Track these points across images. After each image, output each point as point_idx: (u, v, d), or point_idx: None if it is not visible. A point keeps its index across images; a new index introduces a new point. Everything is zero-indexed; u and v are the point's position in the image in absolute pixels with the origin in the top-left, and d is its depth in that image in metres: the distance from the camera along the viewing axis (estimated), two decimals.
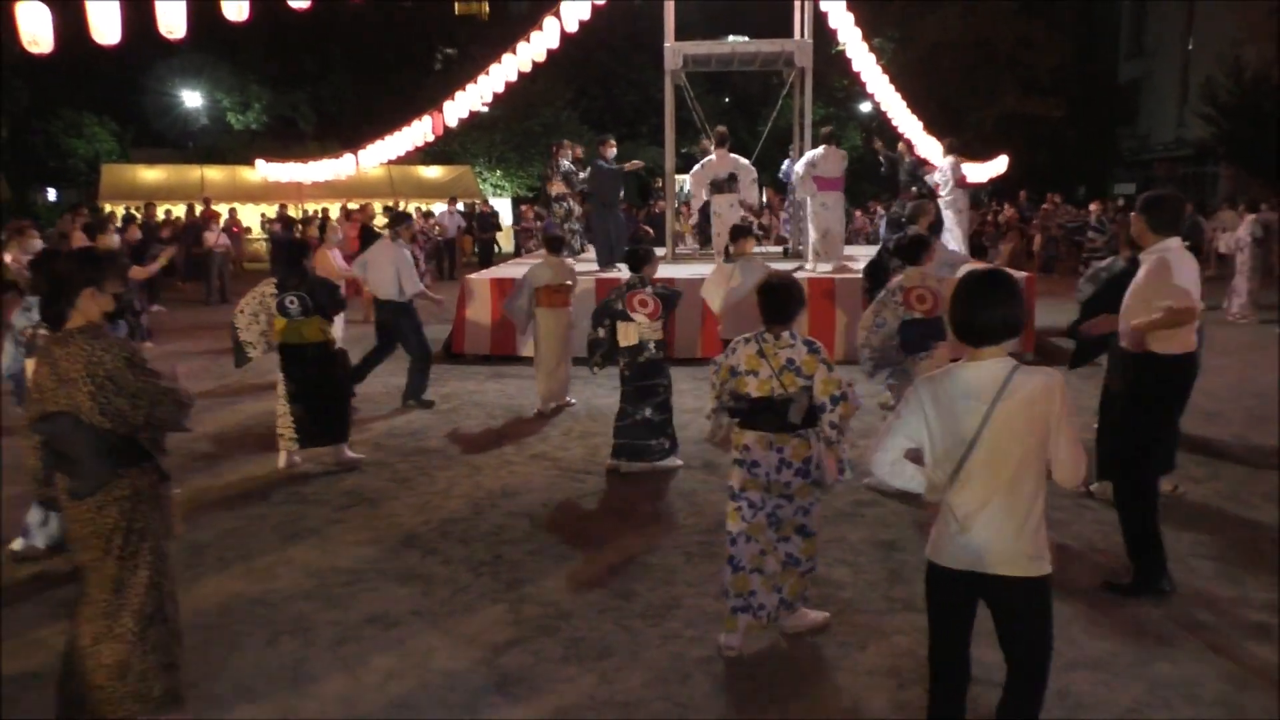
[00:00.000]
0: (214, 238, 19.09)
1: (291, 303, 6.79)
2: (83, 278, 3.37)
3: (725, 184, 11.64)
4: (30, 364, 4.84)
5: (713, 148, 12.03)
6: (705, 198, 12.06)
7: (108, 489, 3.36)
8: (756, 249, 11.23)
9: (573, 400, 8.99)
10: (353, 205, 22.87)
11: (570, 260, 10.13)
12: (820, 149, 11.53)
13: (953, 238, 12.34)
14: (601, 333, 6.89)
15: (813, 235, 11.91)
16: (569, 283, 8.74)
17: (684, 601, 4.79)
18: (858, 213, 23.67)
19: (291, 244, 7.76)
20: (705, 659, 4.22)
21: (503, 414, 8.76)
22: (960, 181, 12.60)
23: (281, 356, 6.94)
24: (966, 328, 2.88)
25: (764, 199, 15.27)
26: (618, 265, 11.80)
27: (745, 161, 11.93)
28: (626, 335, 6.79)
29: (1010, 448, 2.83)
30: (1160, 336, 4.75)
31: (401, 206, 25.52)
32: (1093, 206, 20.49)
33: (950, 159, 12.68)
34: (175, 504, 3.62)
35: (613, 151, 12.24)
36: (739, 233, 8.04)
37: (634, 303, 6.74)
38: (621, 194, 12.53)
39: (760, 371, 4.21)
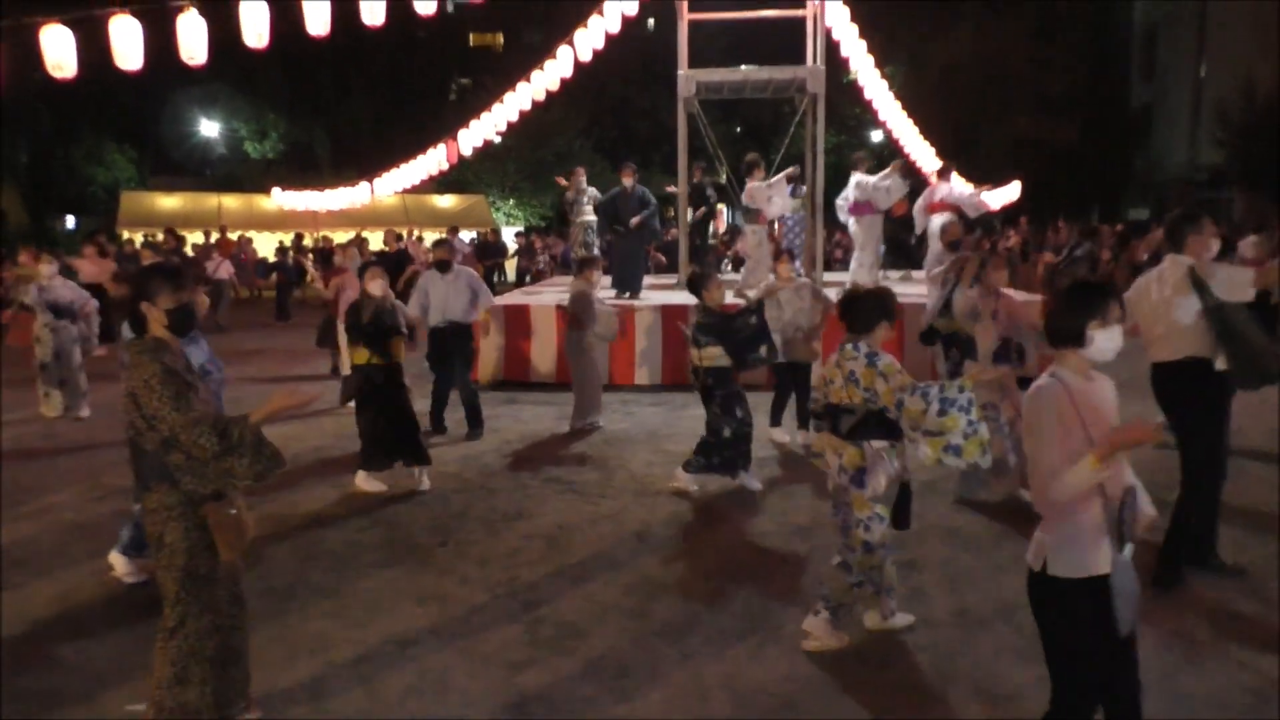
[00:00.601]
0: (213, 266, 19.18)
1: None
2: (138, 291, 3.48)
3: (748, 214, 11.80)
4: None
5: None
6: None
7: (144, 499, 3.49)
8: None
9: (601, 423, 9.08)
10: (366, 234, 23.06)
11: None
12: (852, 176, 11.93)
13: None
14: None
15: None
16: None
17: (702, 620, 4.78)
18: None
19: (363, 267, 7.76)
20: (724, 677, 4.20)
21: (517, 439, 8.77)
22: (929, 207, 12.51)
23: None
24: None
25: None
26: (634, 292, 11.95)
27: (756, 185, 11.99)
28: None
29: None
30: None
31: (416, 235, 25.78)
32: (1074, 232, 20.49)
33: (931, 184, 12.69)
34: (231, 527, 3.49)
35: (629, 180, 12.30)
36: (777, 257, 8.23)
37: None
38: (637, 221, 12.53)
39: (836, 380, 4.36)
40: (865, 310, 4.35)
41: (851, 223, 12.53)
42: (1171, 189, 32.05)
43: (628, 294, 12.09)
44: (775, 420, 8.36)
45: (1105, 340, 2.92)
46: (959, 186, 12.91)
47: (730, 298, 7.90)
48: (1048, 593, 2.95)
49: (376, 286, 7.13)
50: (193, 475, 3.41)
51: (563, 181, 14.19)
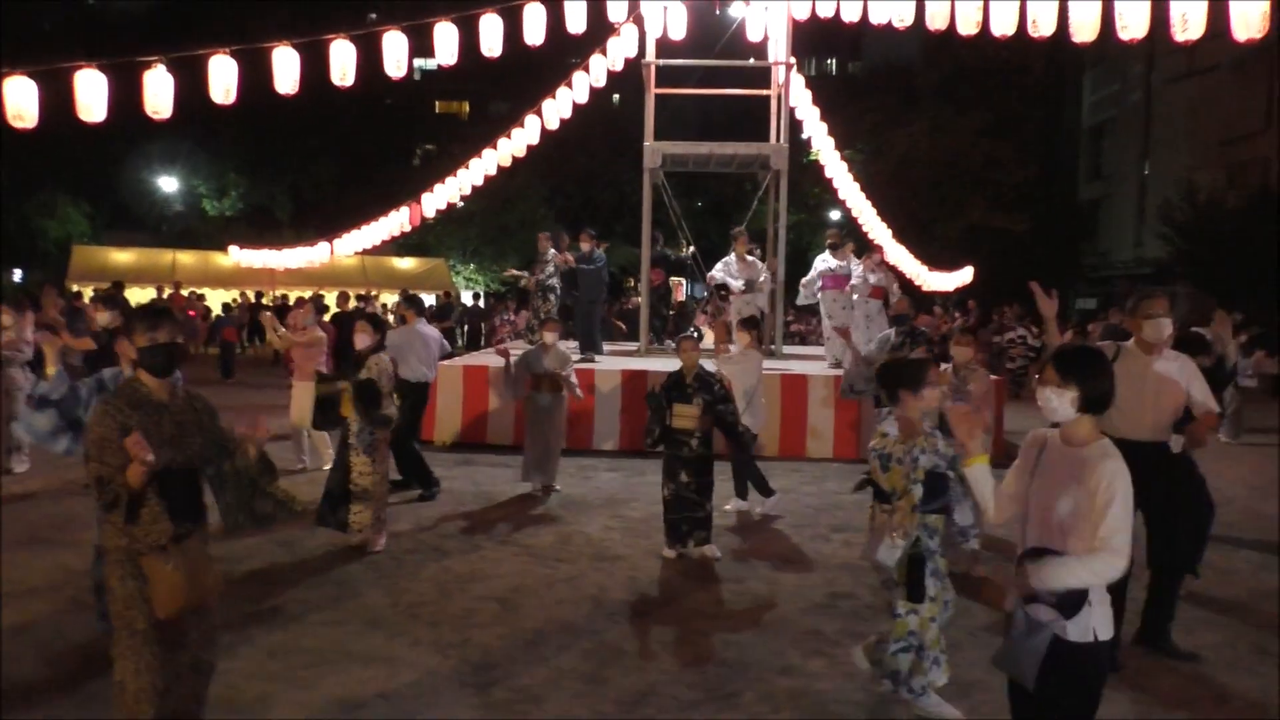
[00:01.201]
0: None
1: None
2: (124, 330, 3.42)
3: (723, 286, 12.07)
4: None
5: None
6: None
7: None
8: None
9: (558, 487, 8.95)
10: (323, 293, 22.94)
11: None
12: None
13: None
14: None
15: None
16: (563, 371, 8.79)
17: (658, 689, 4.67)
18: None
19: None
20: None
21: (472, 500, 8.63)
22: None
23: None
24: None
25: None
26: (593, 356, 11.95)
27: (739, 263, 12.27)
28: None
29: None
30: None
31: (375, 296, 25.71)
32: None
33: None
34: (164, 582, 3.25)
35: (587, 245, 12.36)
36: (742, 324, 8.26)
37: None
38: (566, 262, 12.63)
39: None
40: (888, 381, 4.46)
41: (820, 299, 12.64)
42: (1119, 282, 32.97)
43: (589, 356, 12.09)
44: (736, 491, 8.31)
45: (1039, 399, 3.12)
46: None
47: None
48: None
49: (361, 340, 7.05)
50: (106, 524, 3.29)
51: (512, 272, 14.19)
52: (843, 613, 5.83)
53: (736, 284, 11.94)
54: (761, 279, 12.09)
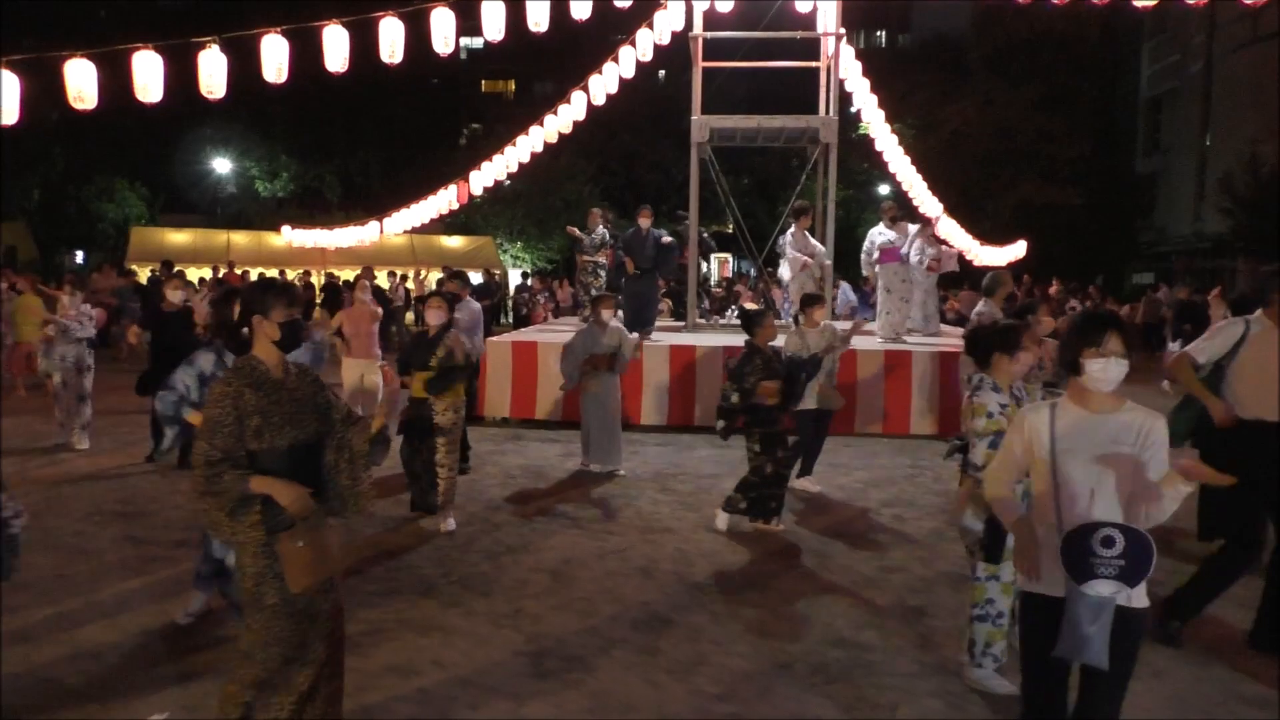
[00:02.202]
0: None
1: None
2: (251, 306, 3.35)
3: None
4: None
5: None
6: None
7: None
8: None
9: (622, 470, 8.81)
10: (396, 271, 23.21)
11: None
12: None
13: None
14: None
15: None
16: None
17: (710, 659, 4.69)
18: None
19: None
20: (732, 716, 4.11)
21: (521, 475, 8.70)
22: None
23: None
24: None
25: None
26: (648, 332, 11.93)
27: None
28: None
29: None
30: None
31: (423, 275, 25.97)
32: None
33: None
34: (296, 559, 3.23)
35: (646, 221, 12.28)
36: (807, 301, 8.08)
37: None
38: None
39: None
40: (982, 344, 4.39)
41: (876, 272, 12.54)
42: (1176, 258, 32.26)
43: (640, 332, 12.05)
44: (804, 469, 8.22)
45: (1097, 369, 2.99)
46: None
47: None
48: None
49: (436, 316, 7.00)
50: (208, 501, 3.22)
51: (574, 231, 13.94)
52: (894, 586, 5.80)
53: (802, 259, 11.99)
54: (817, 256, 12.06)
